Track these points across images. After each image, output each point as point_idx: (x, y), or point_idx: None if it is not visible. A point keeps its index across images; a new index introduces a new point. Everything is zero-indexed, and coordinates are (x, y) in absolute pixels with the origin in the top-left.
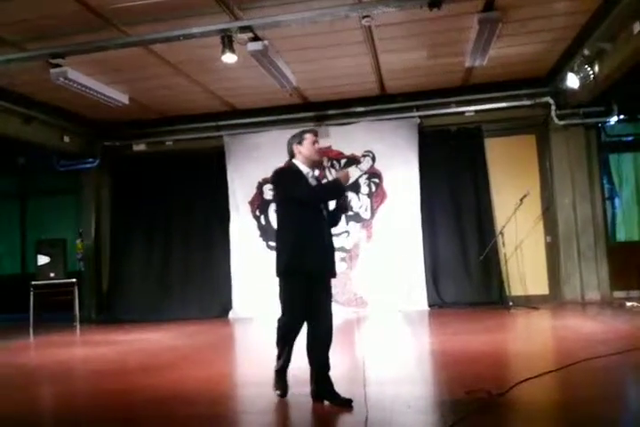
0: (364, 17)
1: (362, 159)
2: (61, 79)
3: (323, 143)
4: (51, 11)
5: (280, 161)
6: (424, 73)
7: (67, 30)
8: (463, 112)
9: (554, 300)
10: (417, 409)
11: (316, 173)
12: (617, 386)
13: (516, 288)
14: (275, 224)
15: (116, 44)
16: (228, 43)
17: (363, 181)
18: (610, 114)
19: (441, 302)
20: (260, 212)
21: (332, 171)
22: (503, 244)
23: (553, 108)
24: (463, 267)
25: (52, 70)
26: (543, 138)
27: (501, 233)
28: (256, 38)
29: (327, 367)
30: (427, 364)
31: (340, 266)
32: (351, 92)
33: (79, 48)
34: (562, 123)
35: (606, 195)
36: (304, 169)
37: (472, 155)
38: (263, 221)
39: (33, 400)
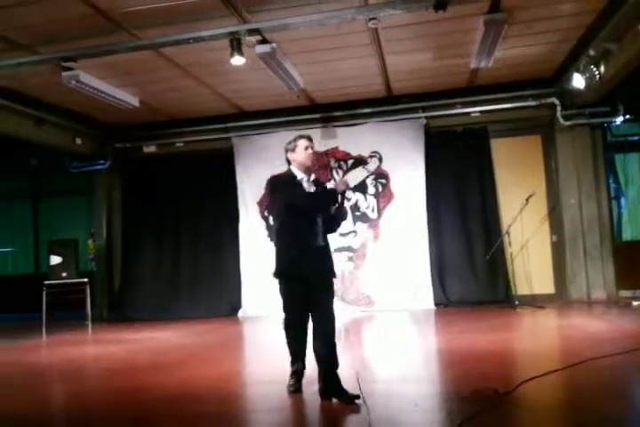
0: (371, 19)
1: (369, 160)
2: (73, 82)
3: (330, 144)
4: (62, 15)
5: None
6: (430, 74)
7: (78, 34)
8: (469, 113)
9: (560, 299)
10: (424, 408)
11: (312, 177)
12: (623, 385)
13: (522, 287)
14: None
15: (127, 48)
16: (236, 45)
17: (370, 181)
18: (615, 114)
19: (447, 301)
20: (268, 212)
21: (340, 172)
22: (509, 243)
23: (558, 108)
24: (469, 266)
25: (64, 73)
26: (549, 138)
27: (507, 233)
28: (264, 41)
29: (333, 365)
30: (433, 362)
31: (347, 265)
32: (358, 93)
33: (90, 51)
34: (567, 123)
35: (612, 194)
36: (299, 175)
37: (478, 155)
38: (271, 222)
39: (44, 398)
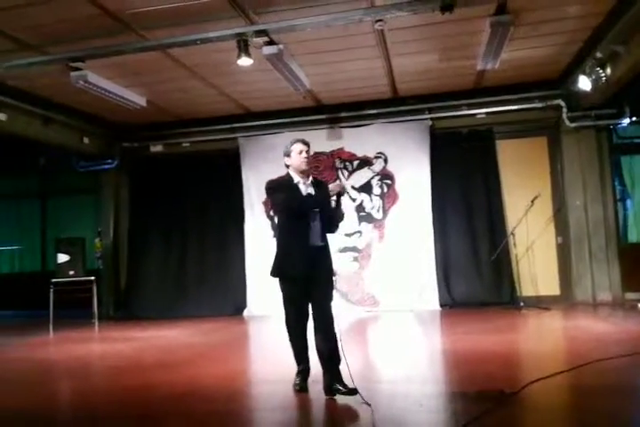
0: (377, 21)
1: (374, 161)
2: (81, 82)
3: (335, 145)
4: (71, 15)
5: None
6: (436, 76)
7: (86, 34)
8: (475, 114)
9: (565, 301)
10: (428, 408)
11: (310, 178)
12: (629, 387)
13: (527, 289)
14: None
15: (135, 48)
16: (243, 47)
17: (375, 182)
18: (622, 116)
19: (452, 301)
20: (273, 213)
21: (345, 172)
22: (514, 244)
23: (564, 110)
24: (474, 267)
25: (73, 73)
26: (554, 140)
27: (512, 234)
28: (271, 42)
29: (333, 362)
30: (438, 363)
31: (352, 266)
32: (364, 94)
33: (99, 52)
34: (573, 125)
35: (618, 196)
36: (296, 178)
37: (483, 157)
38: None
39: (52, 395)
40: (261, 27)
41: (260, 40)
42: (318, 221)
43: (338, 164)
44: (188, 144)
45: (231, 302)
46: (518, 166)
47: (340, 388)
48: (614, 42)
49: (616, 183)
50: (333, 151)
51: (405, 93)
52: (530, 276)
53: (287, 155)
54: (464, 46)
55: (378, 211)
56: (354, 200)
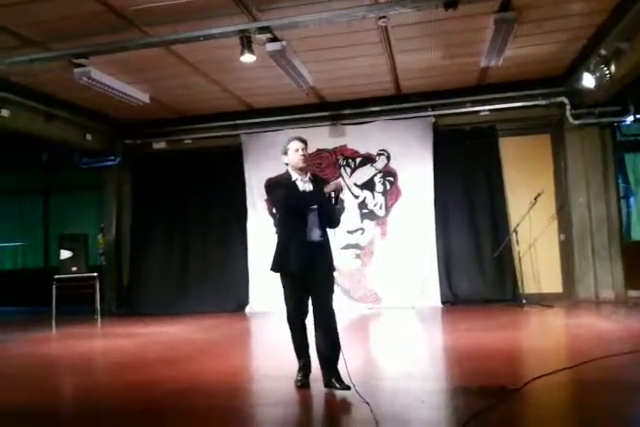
0: (381, 17)
1: (377, 158)
2: (84, 79)
3: (338, 142)
4: (74, 12)
5: None
6: (439, 73)
7: (90, 31)
8: (478, 112)
9: (567, 298)
10: (430, 404)
11: (309, 175)
12: (631, 384)
13: (529, 286)
14: None
15: (138, 45)
16: (246, 43)
17: (377, 179)
18: (625, 113)
19: (454, 298)
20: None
21: (348, 169)
22: (517, 242)
23: (568, 107)
24: (477, 264)
25: (76, 70)
26: (558, 137)
27: (515, 231)
28: (274, 39)
29: (331, 359)
30: (440, 360)
31: (354, 263)
32: (367, 91)
33: (102, 48)
34: (577, 122)
35: (621, 194)
36: (294, 176)
37: (486, 154)
38: None
39: (54, 391)
40: (264, 23)
41: (263, 37)
42: (316, 217)
43: (340, 161)
44: (190, 141)
45: (233, 299)
46: (521, 164)
47: (337, 385)
48: (618, 39)
49: (619, 181)
50: (336, 148)
51: (408, 90)
52: (532, 273)
53: (285, 153)
54: (468, 43)
55: (380, 208)
56: (356, 197)
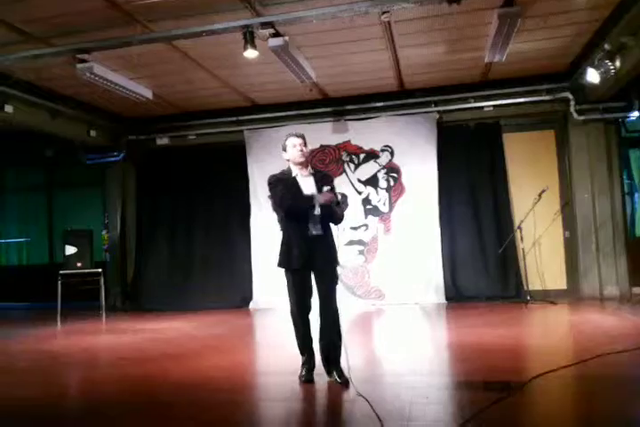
0: (384, 13)
1: (380, 154)
2: (88, 74)
3: (342, 138)
4: (77, 7)
5: None
6: (443, 68)
7: (93, 26)
8: (482, 107)
9: (572, 295)
10: (435, 401)
11: (309, 169)
12: (635, 381)
13: (533, 283)
14: None
15: (141, 40)
16: (249, 38)
17: (381, 175)
18: (630, 109)
19: (458, 295)
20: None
21: (352, 165)
22: (521, 238)
23: (572, 103)
24: (481, 261)
25: (79, 65)
26: (562, 133)
27: (519, 227)
28: (277, 34)
29: (334, 351)
30: (444, 356)
31: (358, 259)
32: (370, 87)
33: (105, 44)
34: (581, 118)
35: (626, 190)
36: (294, 171)
37: (490, 150)
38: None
39: (59, 386)
40: (267, 19)
41: (266, 32)
42: (318, 212)
43: (344, 157)
44: (193, 137)
45: (237, 295)
46: (526, 160)
47: (337, 378)
48: (623, 34)
49: (624, 177)
50: (339, 144)
51: (412, 86)
52: (537, 270)
53: (284, 149)
54: (471, 38)
55: (384, 204)
56: (360, 193)
